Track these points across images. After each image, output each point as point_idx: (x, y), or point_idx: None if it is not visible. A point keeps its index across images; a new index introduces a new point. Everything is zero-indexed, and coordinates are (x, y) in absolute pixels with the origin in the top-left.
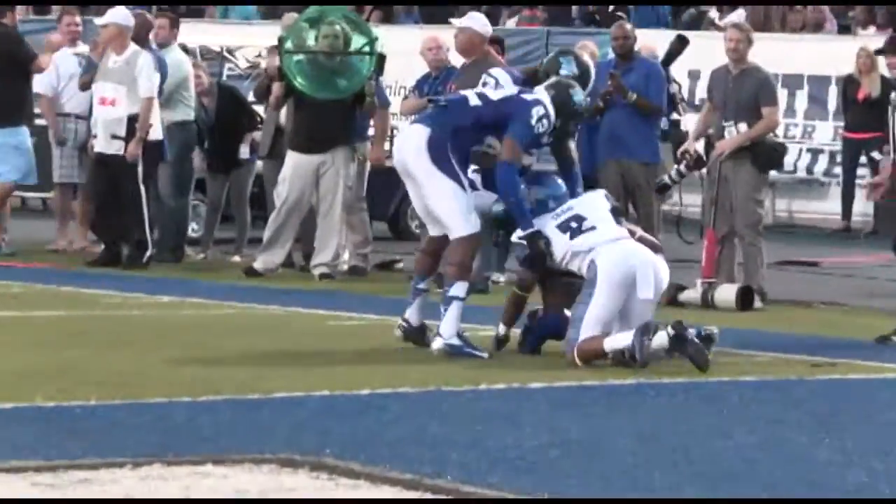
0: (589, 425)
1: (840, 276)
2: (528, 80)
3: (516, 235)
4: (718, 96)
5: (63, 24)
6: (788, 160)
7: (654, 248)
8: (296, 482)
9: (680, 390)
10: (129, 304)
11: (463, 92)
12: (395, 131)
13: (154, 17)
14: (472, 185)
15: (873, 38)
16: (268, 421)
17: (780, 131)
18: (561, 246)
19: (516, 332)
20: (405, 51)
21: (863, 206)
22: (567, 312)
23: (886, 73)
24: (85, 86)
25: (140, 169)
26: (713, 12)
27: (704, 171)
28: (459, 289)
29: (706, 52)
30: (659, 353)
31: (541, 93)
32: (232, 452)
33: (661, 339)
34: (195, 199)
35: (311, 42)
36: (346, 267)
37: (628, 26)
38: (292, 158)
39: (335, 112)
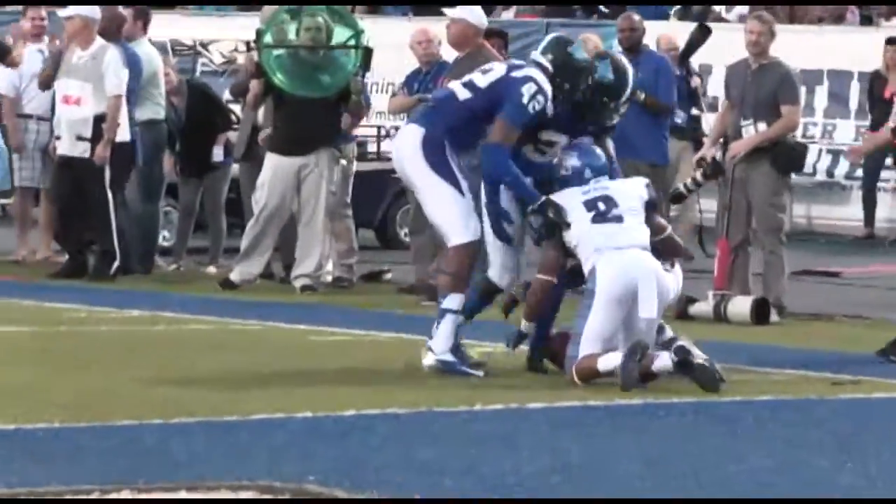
0: (592, 448)
1: (863, 286)
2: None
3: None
4: (736, 93)
5: (27, 19)
6: (807, 162)
7: (676, 253)
8: None
9: (690, 410)
10: (96, 320)
11: (450, 85)
12: (381, 131)
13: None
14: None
15: None
16: (246, 445)
17: (797, 131)
18: (578, 224)
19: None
20: (394, 44)
21: (887, 212)
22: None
23: None
24: (45, 83)
25: (107, 173)
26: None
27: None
28: (453, 301)
29: (717, 46)
30: (664, 374)
31: (531, 70)
32: (207, 479)
33: (664, 362)
34: (166, 205)
35: (291, 35)
36: (329, 278)
37: (636, 17)
38: (271, 161)
39: (318, 111)
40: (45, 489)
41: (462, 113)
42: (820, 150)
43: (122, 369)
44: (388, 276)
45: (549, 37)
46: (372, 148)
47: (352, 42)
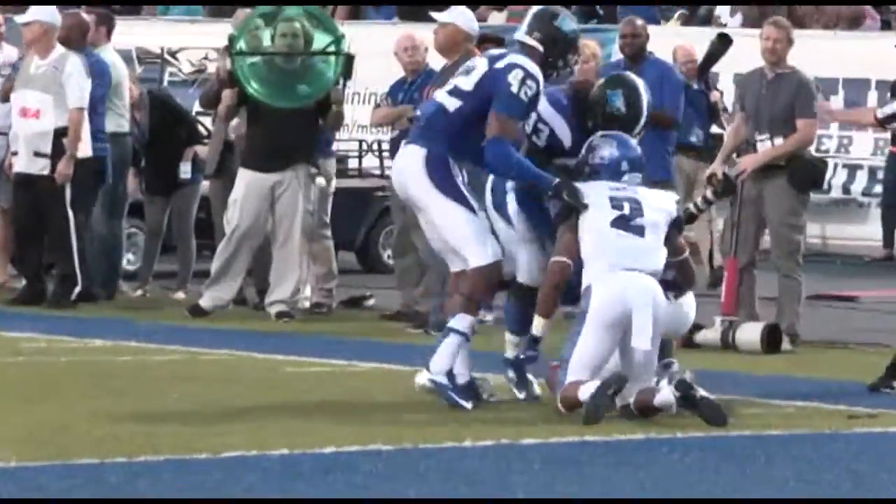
0: (590, 488)
1: (881, 312)
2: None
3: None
4: (751, 104)
5: None
6: None
7: (688, 280)
8: None
9: (695, 446)
10: (55, 350)
11: (436, 99)
12: (363, 145)
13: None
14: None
15: None
16: (217, 484)
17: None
18: (597, 220)
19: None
20: (377, 51)
21: None
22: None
23: None
24: (5, 96)
25: (68, 192)
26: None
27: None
28: (463, 322)
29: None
30: (668, 410)
31: (513, 56)
32: None
33: (666, 397)
34: (131, 226)
35: (266, 42)
36: (307, 304)
37: (639, 22)
38: (244, 178)
39: (295, 123)
40: None
41: (457, 123)
42: (835, 165)
43: (84, 403)
44: (371, 301)
45: (530, 12)
46: (353, 164)
47: (332, 48)
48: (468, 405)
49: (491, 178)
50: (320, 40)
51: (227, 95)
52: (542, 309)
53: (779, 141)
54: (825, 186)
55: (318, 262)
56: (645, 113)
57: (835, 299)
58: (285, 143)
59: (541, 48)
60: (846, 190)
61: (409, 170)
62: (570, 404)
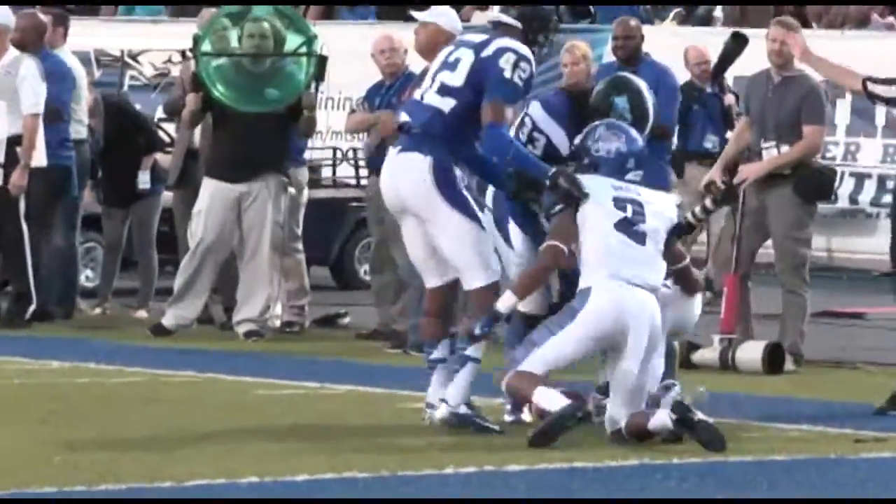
0: None
1: (890, 329)
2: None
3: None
4: (756, 108)
5: None
6: None
7: (691, 287)
8: None
9: (692, 473)
10: (9, 372)
11: (426, 101)
12: (338, 153)
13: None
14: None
15: None
16: None
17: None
18: (602, 222)
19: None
20: (352, 52)
21: None
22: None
23: None
24: None
25: (22, 204)
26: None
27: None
28: (477, 349)
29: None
30: (662, 433)
31: (500, 40)
32: None
33: (661, 420)
34: (89, 240)
35: (233, 43)
36: (277, 323)
37: (633, 23)
38: (209, 188)
39: (263, 130)
40: None
41: (454, 124)
42: (842, 174)
43: (40, 429)
44: (346, 320)
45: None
46: (327, 173)
47: (303, 50)
48: (496, 428)
49: (491, 189)
50: (291, 41)
51: (192, 100)
52: (519, 286)
53: (785, 149)
54: (831, 196)
55: (290, 278)
56: (651, 118)
57: (841, 316)
58: (253, 150)
59: (520, 25)
60: (853, 200)
61: (411, 179)
62: (516, 392)
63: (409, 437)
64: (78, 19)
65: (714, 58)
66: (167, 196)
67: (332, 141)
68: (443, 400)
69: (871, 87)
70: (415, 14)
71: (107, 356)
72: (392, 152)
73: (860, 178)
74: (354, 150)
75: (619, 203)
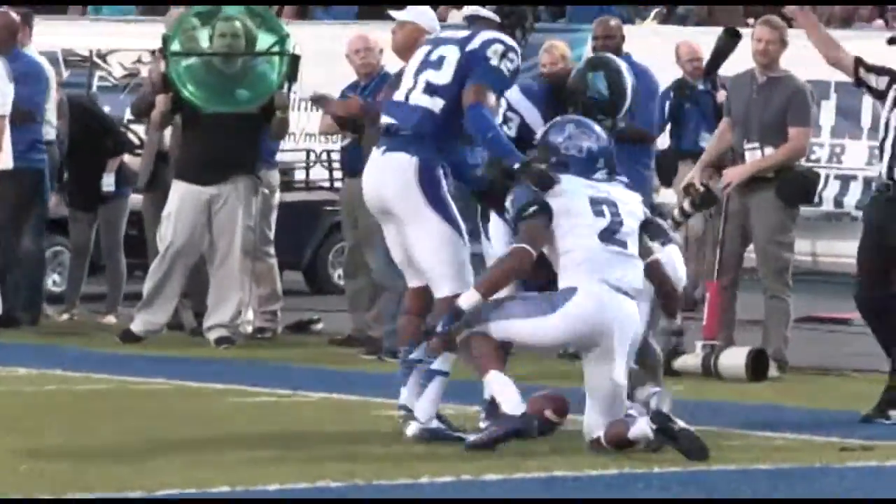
0: None
1: None
2: (553, 86)
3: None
4: (739, 109)
5: None
6: None
7: (663, 282)
8: None
9: (675, 482)
10: None
11: (413, 102)
12: (311, 155)
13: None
14: None
15: None
16: None
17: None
18: (584, 233)
19: None
20: (326, 52)
21: None
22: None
23: None
24: None
25: None
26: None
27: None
28: (445, 362)
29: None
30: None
31: (485, 33)
32: None
33: (641, 429)
34: (56, 244)
35: (203, 43)
36: (249, 329)
37: (613, 23)
38: (179, 190)
39: (235, 131)
40: None
41: (445, 124)
42: (827, 176)
43: (6, 437)
44: (319, 325)
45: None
46: (300, 175)
47: (275, 49)
48: (469, 436)
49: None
50: (263, 40)
51: (161, 101)
52: (483, 285)
53: (769, 151)
54: (816, 199)
55: (262, 283)
56: (629, 96)
57: (826, 322)
58: (224, 152)
59: (497, 18)
60: (838, 203)
61: (396, 180)
62: (470, 360)
63: (384, 445)
64: (45, 18)
65: (706, 54)
66: (136, 199)
67: (305, 143)
68: (413, 417)
69: (863, 74)
70: (392, 13)
71: (74, 363)
72: (376, 153)
73: (845, 181)
74: (328, 152)
75: (596, 206)
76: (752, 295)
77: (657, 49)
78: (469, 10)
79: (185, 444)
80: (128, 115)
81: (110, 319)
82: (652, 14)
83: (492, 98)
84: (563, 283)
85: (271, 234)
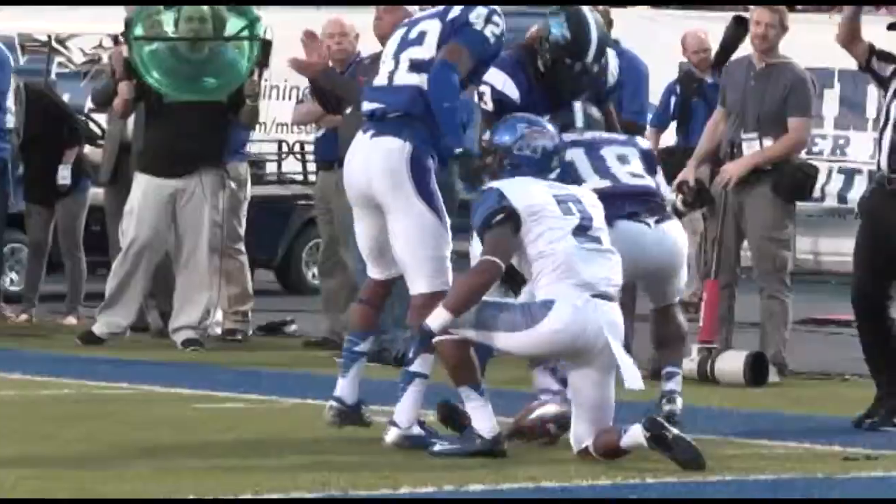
0: None
1: None
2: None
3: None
4: (735, 97)
5: None
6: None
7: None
8: None
9: (669, 493)
10: None
11: (398, 83)
12: (284, 146)
13: None
14: None
15: None
16: None
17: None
18: (557, 236)
19: None
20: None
21: None
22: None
23: None
24: None
25: None
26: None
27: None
28: (423, 363)
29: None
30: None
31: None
32: None
33: (634, 437)
34: (13, 240)
35: (169, 27)
36: (218, 330)
37: (599, 7)
38: (142, 184)
39: (201, 121)
40: None
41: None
42: (830, 170)
43: None
44: (293, 327)
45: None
46: (272, 168)
47: (245, 34)
48: (447, 443)
49: None
50: (232, 24)
51: (124, 88)
52: (452, 302)
53: (768, 142)
54: (818, 194)
55: (231, 282)
56: (594, 39)
57: (828, 324)
58: (189, 143)
59: None
60: (842, 198)
61: (384, 165)
62: (445, 356)
63: (362, 454)
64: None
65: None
66: (99, 193)
67: (276, 133)
68: (392, 422)
69: (875, 62)
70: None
71: (33, 366)
72: (362, 137)
73: (850, 175)
74: (302, 143)
75: (563, 204)
76: (751, 296)
77: (650, 34)
78: None
79: (150, 451)
80: (89, 103)
81: (71, 320)
82: None
83: (468, 62)
84: (540, 292)
85: (241, 231)
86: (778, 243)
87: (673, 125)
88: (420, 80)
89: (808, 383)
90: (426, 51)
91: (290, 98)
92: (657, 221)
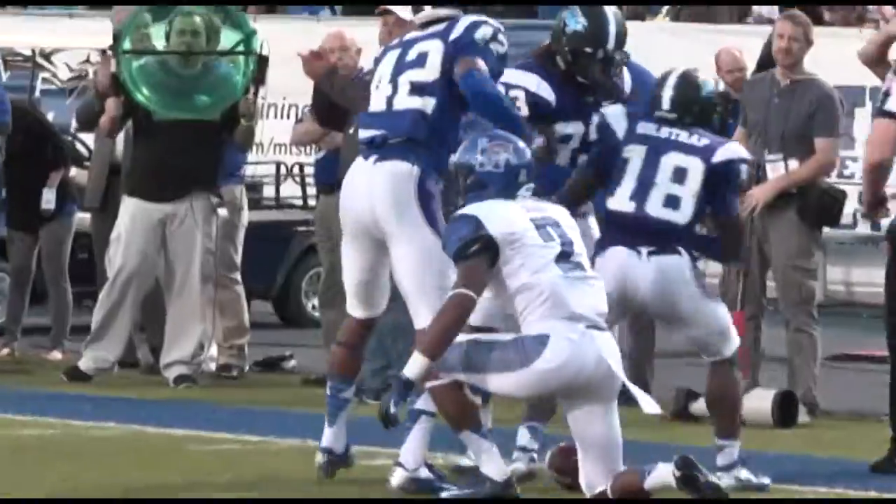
0: None
1: None
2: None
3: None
4: (757, 116)
5: None
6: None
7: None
8: None
9: None
10: None
11: (399, 108)
12: (282, 168)
13: None
14: None
15: None
16: None
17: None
18: (539, 266)
19: None
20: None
21: None
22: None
23: None
24: None
25: None
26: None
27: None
28: (428, 400)
29: (698, 54)
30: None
31: (468, 18)
32: None
33: (662, 477)
34: None
35: (160, 41)
36: (212, 366)
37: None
38: (129, 208)
39: (193, 141)
40: None
41: (439, 124)
42: (860, 194)
43: None
44: (291, 363)
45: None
46: (269, 192)
47: (240, 48)
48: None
49: None
50: (227, 38)
51: (111, 105)
52: (428, 345)
53: (794, 164)
54: (849, 221)
55: (226, 314)
56: (613, 25)
57: (861, 360)
58: (180, 165)
59: (461, 13)
60: (875, 226)
61: (392, 192)
62: (443, 409)
63: (361, 495)
64: None
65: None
66: (85, 218)
67: (274, 155)
68: (398, 464)
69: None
70: (393, 8)
71: (16, 404)
72: (365, 162)
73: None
74: (301, 165)
75: (542, 229)
76: (776, 329)
77: (668, 49)
78: (426, 14)
79: (139, 492)
80: (74, 123)
81: (55, 355)
82: (664, 10)
83: (483, 67)
84: (530, 328)
85: (237, 259)
86: (804, 272)
87: None
88: (422, 103)
89: (841, 424)
90: (429, 73)
91: (288, 117)
92: (650, 253)
